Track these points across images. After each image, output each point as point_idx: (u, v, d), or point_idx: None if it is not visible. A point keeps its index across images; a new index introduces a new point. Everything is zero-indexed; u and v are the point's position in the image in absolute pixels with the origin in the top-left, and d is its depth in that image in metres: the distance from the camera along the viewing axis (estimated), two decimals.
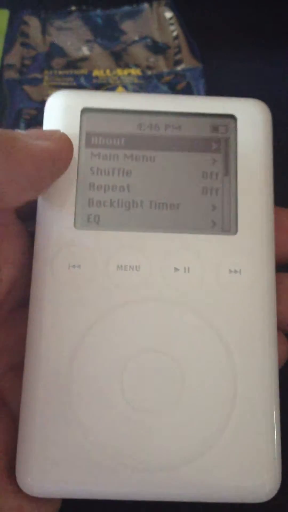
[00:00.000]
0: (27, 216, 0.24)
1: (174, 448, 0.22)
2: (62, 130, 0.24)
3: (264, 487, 0.21)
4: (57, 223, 0.23)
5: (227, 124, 0.25)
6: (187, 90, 0.38)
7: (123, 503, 0.22)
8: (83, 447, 0.22)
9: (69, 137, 0.24)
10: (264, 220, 0.24)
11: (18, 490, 0.21)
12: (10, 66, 0.39)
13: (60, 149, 0.23)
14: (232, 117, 0.25)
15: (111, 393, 0.22)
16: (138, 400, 0.22)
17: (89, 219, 0.24)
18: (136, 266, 0.23)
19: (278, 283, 0.24)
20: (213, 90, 0.38)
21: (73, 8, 0.41)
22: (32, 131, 0.23)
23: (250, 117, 0.25)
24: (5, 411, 0.23)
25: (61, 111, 0.24)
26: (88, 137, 0.24)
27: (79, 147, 0.24)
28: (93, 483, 0.21)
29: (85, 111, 0.24)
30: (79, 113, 0.24)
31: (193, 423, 0.22)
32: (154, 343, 0.22)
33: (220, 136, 0.25)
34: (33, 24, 0.40)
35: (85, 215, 0.24)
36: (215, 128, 0.25)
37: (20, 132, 0.22)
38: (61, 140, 0.23)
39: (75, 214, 0.23)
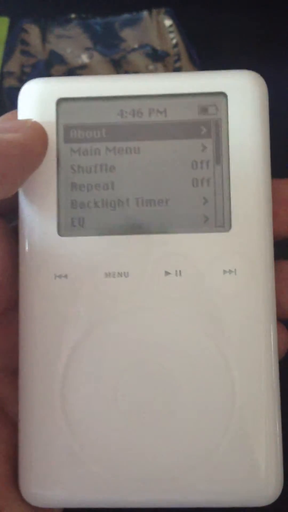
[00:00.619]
0: (6, 210, 0.23)
1: (173, 458, 0.21)
2: None
3: (266, 490, 0.21)
4: (40, 230, 0.22)
5: (216, 103, 0.22)
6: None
7: (123, 510, 0.22)
8: (81, 459, 0.21)
9: (45, 131, 0.22)
10: (261, 213, 0.22)
11: (21, 499, 0.21)
12: (10, 73, 0.39)
13: (31, 140, 0.21)
14: (222, 95, 0.22)
15: (106, 405, 0.22)
16: (134, 412, 0.21)
17: (73, 223, 0.22)
18: (125, 273, 0.22)
19: (278, 272, 0.22)
20: None
21: (73, 16, 0.41)
22: (1, 124, 0.21)
23: (243, 93, 0.22)
24: (4, 418, 0.23)
25: (34, 103, 0.22)
26: (66, 131, 0.22)
27: (57, 143, 0.22)
28: (94, 492, 0.21)
29: (61, 101, 0.22)
30: (54, 105, 0.22)
31: (191, 431, 0.21)
32: (147, 354, 0.22)
33: (209, 118, 0.22)
34: (33, 32, 0.40)
35: (68, 219, 0.22)
36: (203, 109, 0.22)
37: None
38: (32, 130, 0.21)
39: (58, 219, 0.22)
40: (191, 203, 0.22)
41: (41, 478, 0.21)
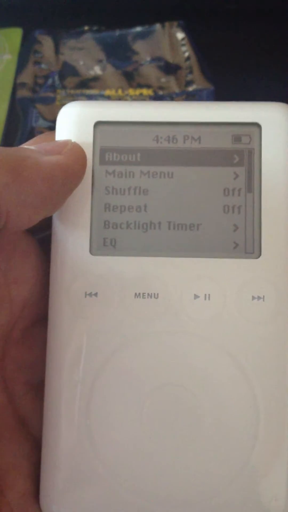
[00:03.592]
0: (38, 229, 0.23)
1: (196, 483, 0.21)
2: None
3: None
4: (72, 248, 0.22)
5: (250, 134, 0.22)
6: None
7: None
8: (104, 479, 0.21)
9: (85, 153, 0.22)
10: None
11: None
12: (23, 84, 0.39)
13: (73, 162, 0.21)
14: (256, 125, 0.22)
15: (130, 425, 0.21)
16: (158, 433, 0.21)
17: (105, 243, 0.22)
18: (154, 294, 0.22)
19: None
20: None
21: (86, 28, 0.42)
22: (42, 145, 0.22)
23: (277, 125, 0.22)
24: (26, 434, 0.23)
25: (73, 124, 0.23)
26: (102, 153, 0.23)
27: (93, 165, 0.22)
28: None
29: (98, 124, 0.23)
30: (92, 127, 0.23)
31: (213, 457, 0.21)
32: (174, 377, 0.22)
33: (243, 147, 0.22)
34: (46, 43, 0.41)
35: (100, 239, 0.22)
36: (237, 138, 0.23)
37: (29, 148, 0.21)
38: (73, 152, 0.22)
39: (90, 238, 0.22)
40: (221, 229, 0.22)
41: (63, 497, 0.21)
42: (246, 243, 0.22)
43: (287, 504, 0.21)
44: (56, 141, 0.22)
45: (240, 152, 0.23)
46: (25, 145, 0.22)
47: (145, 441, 0.21)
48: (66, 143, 0.22)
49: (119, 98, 0.39)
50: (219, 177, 0.22)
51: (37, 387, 0.23)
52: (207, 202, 0.22)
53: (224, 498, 0.21)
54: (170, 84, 0.40)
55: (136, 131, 0.23)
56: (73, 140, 0.22)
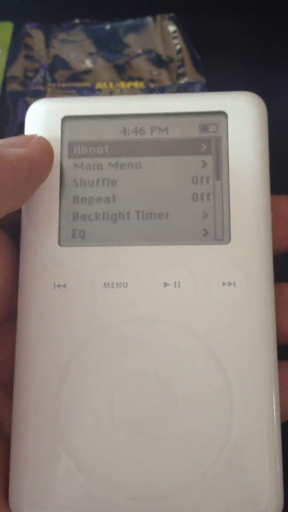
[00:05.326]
0: (10, 225, 0.23)
1: (168, 475, 0.21)
2: None
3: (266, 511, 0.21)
4: (41, 240, 0.22)
5: (217, 122, 0.23)
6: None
7: None
8: (74, 475, 0.21)
9: (51, 146, 0.23)
10: (260, 226, 0.22)
11: None
12: (14, 78, 0.39)
13: (38, 155, 0.22)
14: (222, 114, 0.23)
15: (101, 419, 0.21)
16: (129, 426, 0.21)
17: (73, 235, 0.23)
18: (123, 283, 0.22)
19: (277, 294, 0.22)
20: None
21: (77, 21, 0.41)
22: (8, 139, 0.22)
23: (242, 113, 0.23)
24: None
25: (41, 120, 0.23)
26: (70, 147, 0.23)
27: (61, 158, 0.23)
28: (85, 510, 0.21)
29: (66, 119, 0.23)
30: (60, 122, 0.23)
31: (187, 448, 0.21)
32: (145, 365, 0.21)
33: (210, 136, 0.23)
34: (37, 37, 0.40)
35: (69, 230, 0.23)
36: (204, 128, 0.23)
37: None
38: (39, 145, 0.22)
39: (59, 230, 0.22)
40: (191, 217, 0.23)
41: (32, 496, 0.21)
42: (216, 230, 0.22)
43: (269, 488, 0.21)
44: (22, 135, 0.23)
45: (207, 141, 0.23)
46: None
47: (116, 434, 0.21)
48: (32, 136, 0.22)
49: (110, 91, 0.39)
50: (187, 166, 0.23)
51: (8, 385, 0.23)
52: (176, 190, 0.23)
53: (198, 490, 0.21)
54: (161, 77, 0.39)
55: (103, 124, 0.23)
56: (41, 135, 0.23)
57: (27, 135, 0.23)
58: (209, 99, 0.23)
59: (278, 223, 0.23)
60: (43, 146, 0.22)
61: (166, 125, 0.23)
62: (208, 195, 0.23)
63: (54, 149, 0.23)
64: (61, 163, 0.23)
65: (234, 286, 0.22)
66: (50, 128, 0.23)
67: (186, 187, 0.23)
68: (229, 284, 0.22)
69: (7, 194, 0.21)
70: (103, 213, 0.23)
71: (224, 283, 0.22)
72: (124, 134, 0.23)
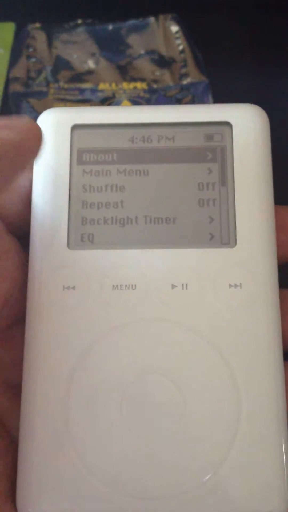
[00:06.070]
0: (19, 229, 0.24)
1: (177, 474, 0.21)
2: (52, 149, 0.23)
3: (274, 507, 0.21)
4: (50, 243, 0.23)
5: (222, 132, 0.24)
6: (193, 104, 0.38)
7: None
8: (83, 475, 0.21)
9: (60, 155, 0.23)
10: (264, 230, 0.23)
11: None
12: (16, 79, 0.39)
13: (24, 138, 0.21)
14: (227, 124, 0.24)
15: (110, 419, 0.21)
16: (138, 426, 0.21)
17: (82, 239, 0.23)
18: (132, 285, 0.22)
19: (282, 299, 0.23)
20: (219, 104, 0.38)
21: (79, 21, 0.41)
22: None
23: (246, 123, 0.24)
24: (2, 433, 0.23)
25: (51, 128, 0.24)
26: (79, 154, 0.24)
27: (71, 165, 0.23)
28: (93, 511, 0.21)
29: (75, 127, 0.24)
30: (69, 130, 0.24)
31: (195, 448, 0.21)
32: (153, 366, 0.22)
33: (215, 145, 0.24)
34: (39, 37, 0.40)
35: (78, 234, 0.23)
36: (209, 137, 0.24)
37: None
38: (26, 128, 0.22)
39: (68, 234, 0.23)
40: (197, 222, 0.23)
41: (41, 496, 0.21)
42: (222, 234, 0.23)
43: (276, 488, 0.21)
44: (12, 119, 0.22)
45: (213, 149, 0.24)
46: None
47: (125, 435, 0.21)
48: (21, 119, 0.22)
49: (113, 92, 0.39)
50: (193, 173, 0.23)
51: (14, 387, 0.23)
52: (183, 196, 0.23)
53: (206, 489, 0.21)
54: (164, 78, 0.39)
55: (111, 132, 0.24)
56: (51, 143, 0.23)
57: (16, 119, 0.22)
58: (214, 110, 0.24)
59: (281, 232, 0.23)
60: (31, 130, 0.22)
61: (173, 134, 0.24)
62: (214, 200, 0.23)
63: (63, 156, 0.23)
64: (70, 169, 0.23)
65: (241, 288, 0.22)
66: (60, 136, 0.24)
67: (192, 193, 0.23)
68: (236, 286, 0.22)
69: None
70: (112, 218, 0.23)
71: (230, 285, 0.22)
72: (132, 142, 0.24)
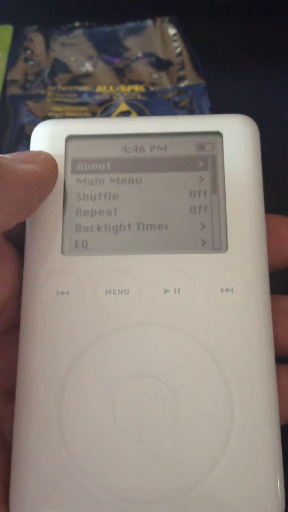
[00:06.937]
0: (15, 236, 0.24)
1: (170, 478, 0.21)
2: None
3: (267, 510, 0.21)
4: (45, 250, 0.23)
5: (213, 142, 0.24)
6: (190, 107, 0.38)
7: None
8: (76, 480, 0.21)
9: (56, 163, 0.24)
10: (255, 236, 0.23)
11: None
12: (14, 81, 0.39)
13: (46, 170, 0.23)
14: (218, 134, 0.24)
15: (103, 423, 0.21)
16: (131, 429, 0.21)
17: (76, 245, 0.23)
18: (125, 290, 0.23)
19: (274, 305, 0.23)
20: (216, 106, 0.38)
21: (77, 24, 0.41)
22: (16, 154, 0.23)
23: (236, 133, 0.24)
24: None
25: (46, 139, 0.25)
26: (73, 164, 0.24)
27: (65, 174, 0.24)
28: None
29: (69, 138, 0.25)
30: (63, 141, 0.24)
31: (189, 451, 0.21)
32: (146, 369, 0.22)
33: (206, 154, 0.24)
34: (37, 40, 0.41)
35: (72, 241, 0.23)
36: (201, 146, 0.24)
37: (5, 156, 0.22)
38: (46, 161, 0.23)
39: (62, 240, 0.23)
40: (189, 228, 0.24)
41: (34, 500, 0.21)
42: (214, 240, 0.23)
43: (270, 491, 0.21)
44: (30, 151, 0.24)
45: (204, 158, 0.24)
46: None
47: (118, 438, 0.21)
48: (39, 153, 0.24)
49: (111, 95, 0.39)
50: (185, 181, 0.24)
51: (8, 392, 0.23)
52: (175, 204, 0.24)
53: (199, 493, 0.21)
54: (162, 80, 0.39)
55: (105, 143, 0.25)
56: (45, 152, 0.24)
57: (34, 151, 0.24)
58: (205, 120, 0.25)
59: (272, 240, 0.24)
60: (50, 163, 0.23)
61: (165, 144, 0.24)
62: (205, 207, 0.24)
63: (58, 165, 0.24)
64: (64, 178, 0.24)
65: (232, 292, 0.23)
66: (54, 147, 0.24)
67: (184, 201, 0.24)
68: (227, 290, 0.23)
69: (20, 207, 0.22)
70: (105, 225, 0.24)
71: (222, 289, 0.23)
72: (125, 152, 0.24)
